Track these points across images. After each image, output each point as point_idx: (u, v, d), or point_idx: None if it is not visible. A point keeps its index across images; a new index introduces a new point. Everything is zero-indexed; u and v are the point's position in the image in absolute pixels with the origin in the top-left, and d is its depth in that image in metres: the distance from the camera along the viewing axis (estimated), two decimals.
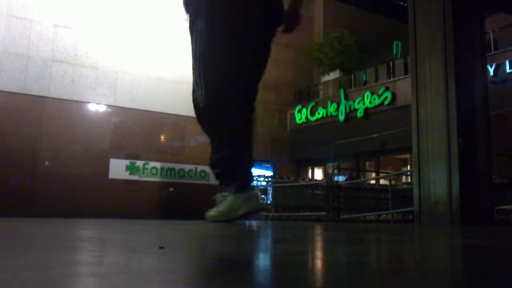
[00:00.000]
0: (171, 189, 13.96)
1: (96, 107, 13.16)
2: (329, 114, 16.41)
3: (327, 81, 17.51)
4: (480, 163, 6.01)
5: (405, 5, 15.60)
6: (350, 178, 15.13)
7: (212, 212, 3.34)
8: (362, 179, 15.07)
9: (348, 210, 10.58)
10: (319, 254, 1.59)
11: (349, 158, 16.15)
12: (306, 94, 18.36)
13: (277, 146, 16.13)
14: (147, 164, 13.59)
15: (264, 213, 12.61)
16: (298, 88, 18.33)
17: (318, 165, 17.81)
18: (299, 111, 17.58)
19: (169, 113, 14.01)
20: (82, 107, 12.94)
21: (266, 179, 13.67)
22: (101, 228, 3.30)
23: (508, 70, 12.30)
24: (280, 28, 3.19)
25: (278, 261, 1.27)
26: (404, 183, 12.20)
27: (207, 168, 14.78)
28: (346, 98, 15.57)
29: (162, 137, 14.18)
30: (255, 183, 13.83)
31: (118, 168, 13.19)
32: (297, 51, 17.47)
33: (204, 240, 2.18)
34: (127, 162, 13.35)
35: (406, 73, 13.85)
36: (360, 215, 10.37)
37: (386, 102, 14.41)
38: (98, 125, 13.05)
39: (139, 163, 13.48)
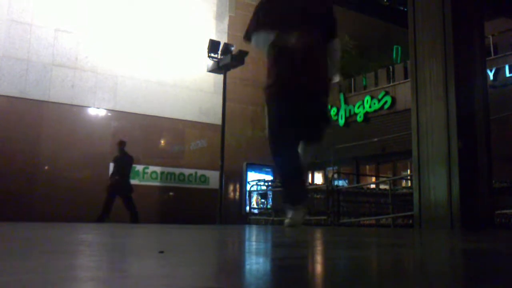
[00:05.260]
0: (171, 193, 13.95)
1: (96, 111, 13.16)
2: None
3: None
4: (480, 167, 6.01)
5: (405, 10, 15.67)
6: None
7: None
8: (362, 183, 15.05)
9: (348, 214, 10.56)
10: (319, 258, 1.58)
11: (349, 162, 16.13)
12: None
13: None
14: (147, 168, 13.58)
15: (264, 217, 12.60)
16: None
17: (318, 169, 17.79)
18: None
19: (169, 117, 14.03)
20: (82, 111, 12.95)
21: (266, 184, 13.65)
22: (101, 232, 3.30)
23: (507, 74, 12.30)
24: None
25: (278, 265, 1.27)
26: (404, 187, 12.17)
27: (207, 173, 14.78)
28: (346, 102, 15.57)
29: (162, 141, 14.19)
30: (255, 187, 13.82)
31: None
32: None
33: (204, 245, 2.18)
34: None
35: (406, 77, 13.84)
36: (360, 219, 10.35)
37: (386, 107, 14.41)
38: (98, 129, 13.05)
39: (139, 167, 13.47)
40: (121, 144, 10.58)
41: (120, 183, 10.32)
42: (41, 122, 12.41)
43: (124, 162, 10.40)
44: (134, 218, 10.21)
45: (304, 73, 3.57)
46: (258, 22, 3.73)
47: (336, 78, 3.94)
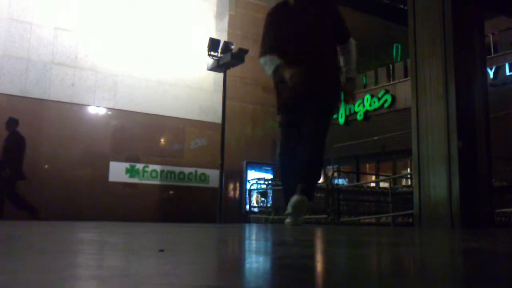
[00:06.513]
0: (171, 192, 13.95)
1: (96, 110, 13.16)
2: None
3: None
4: (480, 166, 6.01)
5: (405, 8, 15.65)
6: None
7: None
8: (362, 182, 15.05)
9: (348, 213, 10.56)
10: (319, 257, 1.58)
11: (349, 161, 16.13)
12: None
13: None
14: (147, 167, 13.58)
15: (264, 215, 12.60)
16: None
17: None
18: None
19: (169, 115, 14.02)
20: (82, 110, 12.94)
21: (266, 182, 13.66)
22: (101, 231, 3.30)
23: (508, 73, 12.30)
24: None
25: (278, 264, 1.27)
26: (404, 186, 12.17)
27: (207, 171, 14.77)
28: (345, 101, 15.55)
29: (162, 140, 14.18)
30: (255, 186, 13.83)
31: (118, 171, 13.18)
32: None
33: (204, 243, 2.18)
34: (127, 165, 13.35)
35: (406, 76, 13.84)
36: (360, 218, 10.35)
37: (386, 105, 14.41)
38: (98, 128, 13.04)
39: (139, 166, 13.47)
40: (12, 123, 8.84)
41: (12, 168, 8.65)
42: (41, 121, 12.40)
43: (17, 144, 8.76)
44: (30, 211, 8.77)
45: (310, 84, 3.80)
46: (268, 44, 3.95)
47: (353, 75, 4.12)
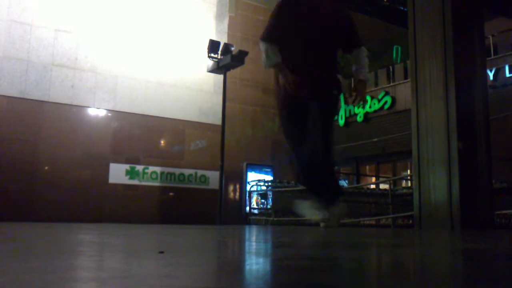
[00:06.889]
0: (171, 193, 13.94)
1: (96, 112, 13.15)
2: None
3: None
4: (480, 168, 6.01)
5: (405, 10, 15.65)
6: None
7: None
8: (362, 183, 15.05)
9: (348, 214, 10.55)
10: (319, 258, 1.58)
11: (349, 162, 16.13)
12: None
13: (277, 151, 16.18)
14: (147, 168, 13.57)
15: (264, 217, 12.60)
16: None
17: None
18: None
19: (169, 117, 14.02)
20: (82, 112, 12.93)
21: (266, 184, 13.65)
22: (101, 232, 3.30)
23: (507, 74, 12.31)
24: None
25: (278, 265, 1.27)
26: (404, 188, 12.16)
27: (207, 173, 14.77)
28: (345, 102, 15.58)
29: (162, 142, 14.17)
30: (254, 188, 13.82)
31: (118, 173, 13.17)
32: None
33: (204, 245, 2.18)
34: (127, 166, 13.34)
35: (406, 77, 13.86)
36: (360, 219, 10.34)
37: (386, 107, 14.42)
38: (98, 129, 13.04)
39: (139, 168, 13.46)
40: None
41: None
42: (41, 123, 12.40)
43: None
44: None
45: (305, 84, 3.78)
46: (272, 32, 3.82)
47: (364, 77, 4.16)
